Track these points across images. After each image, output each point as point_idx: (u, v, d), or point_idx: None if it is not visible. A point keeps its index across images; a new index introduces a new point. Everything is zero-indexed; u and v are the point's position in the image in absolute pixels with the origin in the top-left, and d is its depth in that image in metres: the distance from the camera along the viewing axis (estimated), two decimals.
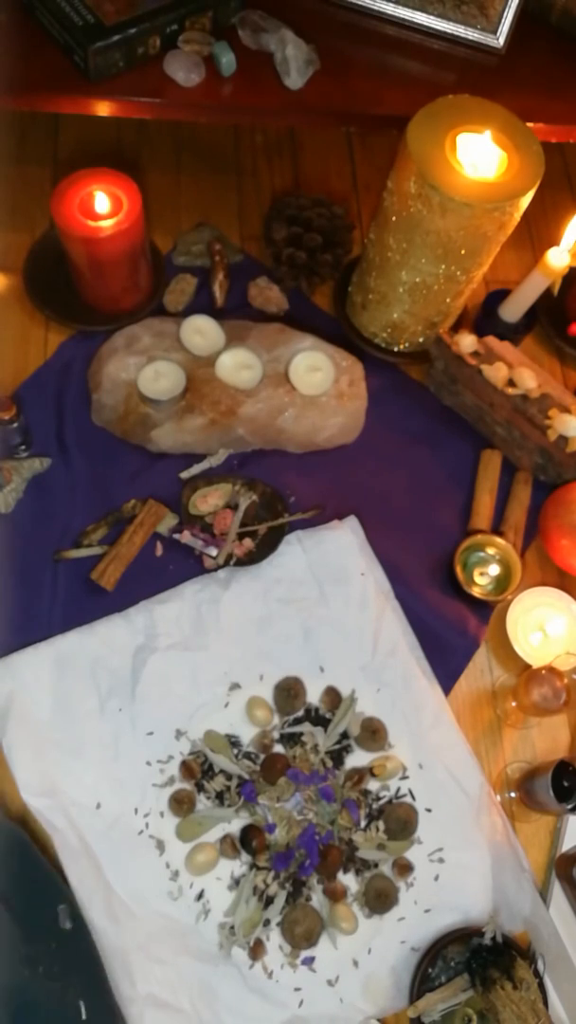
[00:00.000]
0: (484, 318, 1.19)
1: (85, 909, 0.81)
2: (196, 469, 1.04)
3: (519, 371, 1.05)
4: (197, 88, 1.04)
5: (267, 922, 0.84)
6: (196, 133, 1.28)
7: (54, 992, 0.77)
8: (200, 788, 0.89)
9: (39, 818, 0.85)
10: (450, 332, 1.08)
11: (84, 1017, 0.77)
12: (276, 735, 0.92)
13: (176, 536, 1.00)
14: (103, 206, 0.97)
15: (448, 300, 1.05)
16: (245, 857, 0.87)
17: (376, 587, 0.99)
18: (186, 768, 0.89)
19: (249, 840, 0.86)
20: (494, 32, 1.10)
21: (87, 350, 1.07)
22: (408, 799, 0.91)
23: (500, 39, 1.11)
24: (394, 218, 0.97)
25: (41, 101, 1.02)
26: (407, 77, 1.10)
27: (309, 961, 0.84)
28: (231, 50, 1.04)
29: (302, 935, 0.84)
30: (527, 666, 0.97)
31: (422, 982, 0.83)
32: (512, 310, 1.15)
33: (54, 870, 0.82)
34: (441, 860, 0.89)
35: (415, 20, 1.12)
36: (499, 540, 1.03)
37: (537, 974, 0.83)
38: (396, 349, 1.15)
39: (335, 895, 0.86)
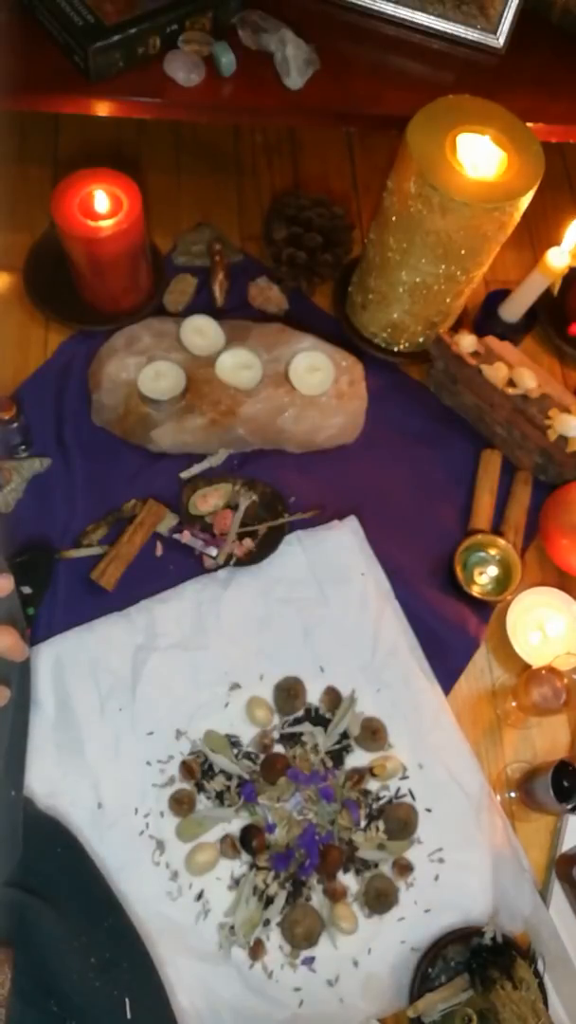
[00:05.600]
0: (484, 318, 1.19)
1: None
2: (196, 469, 1.04)
3: (519, 371, 1.05)
4: (197, 88, 1.04)
5: (267, 922, 0.84)
6: (196, 133, 1.29)
7: (104, 990, 0.77)
8: (200, 788, 0.89)
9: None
10: (450, 332, 1.08)
11: (129, 1016, 0.77)
12: (276, 735, 0.92)
13: (176, 536, 1.00)
14: (103, 206, 0.97)
15: (448, 300, 1.05)
16: (245, 857, 0.87)
17: (376, 587, 0.99)
18: (186, 768, 0.89)
19: (249, 840, 0.86)
20: (494, 32, 1.10)
21: (87, 350, 1.07)
22: (408, 799, 0.91)
23: (500, 39, 1.11)
24: (394, 218, 0.97)
25: (41, 101, 1.02)
26: (407, 77, 1.10)
27: (309, 961, 0.84)
28: (231, 50, 1.04)
29: (302, 935, 0.84)
30: (527, 666, 0.97)
31: (422, 982, 0.83)
32: (512, 310, 1.15)
33: (93, 860, 0.83)
34: (441, 860, 0.89)
35: (415, 20, 1.12)
36: (499, 540, 1.03)
37: (537, 974, 0.83)
38: (396, 349, 1.15)
39: (335, 895, 0.86)
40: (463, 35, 1.11)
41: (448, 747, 0.93)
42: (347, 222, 1.20)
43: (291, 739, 0.92)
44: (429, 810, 0.91)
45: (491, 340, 1.09)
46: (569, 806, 0.84)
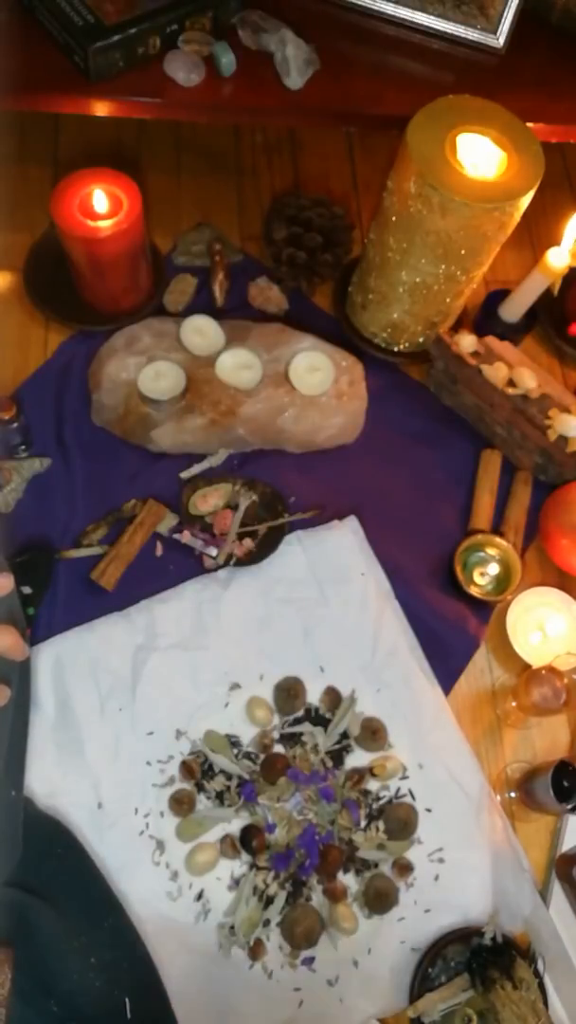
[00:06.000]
0: (484, 318, 1.19)
1: None
2: (196, 469, 1.04)
3: (519, 371, 1.05)
4: (197, 88, 1.04)
5: (267, 922, 0.84)
6: (196, 133, 1.29)
7: (104, 990, 0.77)
8: (200, 788, 0.89)
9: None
10: (450, 332, 1.08)
11: (129, 1016, 0.77)
12: (276, 735, 0.92)
13: (176, 536, 1.00)
14: (103, 206, 0.97)
15: (448, 300, 1.05)
16: (245, 857, 0.87)
17: (376, 587, 0.99)
18: (186, 768, 0.89)
19: (249, 840, 0.86)
20: (494, 32, 1.10)
21: (87, 350, 1.07)
22: (408, 799, 0.91)
23: (500, 39, 1.11)
24: (394, 218, 0.97)
25: (41, 101, 1.02)
26: (407, 77, 1.10)
27: (309, 961, 0.84)
28: (231, 50, 1.04)
29: (302, 935, 0.84)
30: (527, 666, 0.97)
31: (422, 982, 0.83)
32: (512, 310, 1.15)
33: (93, 860, 0.83)
34: (441, 860, 0.89)
35: (415, 20, 1.12)
36: (499, 540, 1.03)
37: (537, 974, 0.83)
38: (396, 349, 1.15)
39: (335, 895, 0.86)
40: (463, 35, 1.11)
41: (448, 747, 0.93)
42: (347, 222, 1.20)
43: (291, 739, 0.92)
44: (429, 810, 0.91)
45: (491, 340, 1.09)
46: (569, 806, 0.84)
